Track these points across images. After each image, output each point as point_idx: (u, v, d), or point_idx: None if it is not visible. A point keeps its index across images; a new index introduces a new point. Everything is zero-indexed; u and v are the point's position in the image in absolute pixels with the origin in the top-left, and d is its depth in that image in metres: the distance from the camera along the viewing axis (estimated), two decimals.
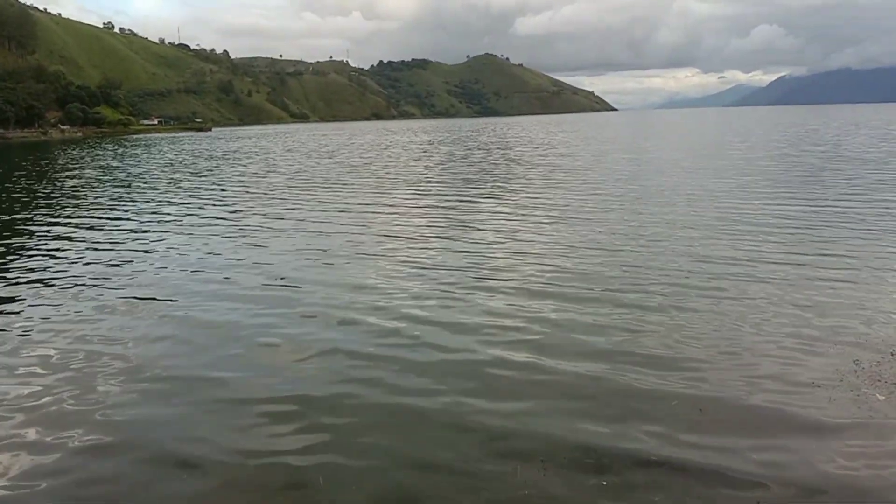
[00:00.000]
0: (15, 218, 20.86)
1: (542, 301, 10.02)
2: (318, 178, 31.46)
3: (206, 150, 68.76)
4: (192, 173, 37.30)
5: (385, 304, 10.05)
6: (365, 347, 8.29)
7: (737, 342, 8.15)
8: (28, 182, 33.81)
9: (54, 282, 12.04)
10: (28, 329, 9.30)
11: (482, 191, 24.50)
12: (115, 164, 48.17)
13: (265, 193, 25.75)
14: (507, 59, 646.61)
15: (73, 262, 13.66)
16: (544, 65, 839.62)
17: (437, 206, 20.74)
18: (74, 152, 68.70)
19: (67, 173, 39.71)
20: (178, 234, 17.01)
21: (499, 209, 19.67)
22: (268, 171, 36.88)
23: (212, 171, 39.20)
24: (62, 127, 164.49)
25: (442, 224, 17.35)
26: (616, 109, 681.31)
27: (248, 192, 26.74)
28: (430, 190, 25.44)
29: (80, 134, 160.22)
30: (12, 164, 50.54)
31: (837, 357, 7.63)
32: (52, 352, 8.37)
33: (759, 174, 27.59)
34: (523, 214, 18.47)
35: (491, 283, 11.14)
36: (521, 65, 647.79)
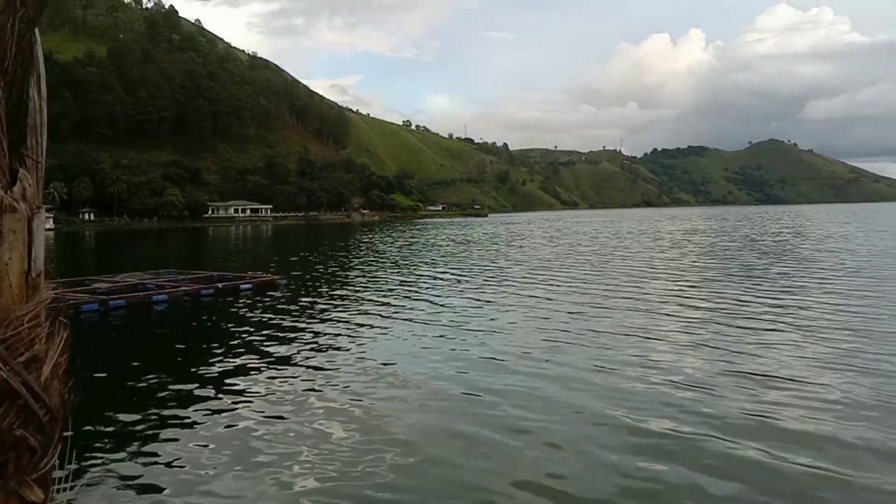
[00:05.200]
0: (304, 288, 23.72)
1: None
2: (554, 268, 31.06)
3: (475, 232, 72.81)
4: (454, 255, 39.52)
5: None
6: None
7: None
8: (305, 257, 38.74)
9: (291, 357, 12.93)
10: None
11: (727, 287, 21.35)
12: (386, 247, 53.20)
13: (499, 281, 25.85)
14: (795, 144, 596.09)
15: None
16: (839, 150, 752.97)
17: (671, 305, 18.58)
18: (366, 235, 77.74)
19: (341, 254, 44.84)
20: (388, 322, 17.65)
21: (738, 314, 16.69)
22: (508, 259, 37.58)
23: (464, 254, 41.13)
24: (363, 211, 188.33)
25: (673, 328, 15.32)
26: None
27: (488, 278, 27.04)
28: (667, 287, 23.25)
29: (376, 217, 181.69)
30: (317, 241, 58.80)
31: None
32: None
33: None
34: (770, 327, 15.40)
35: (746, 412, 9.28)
36: (810, 150, 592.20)
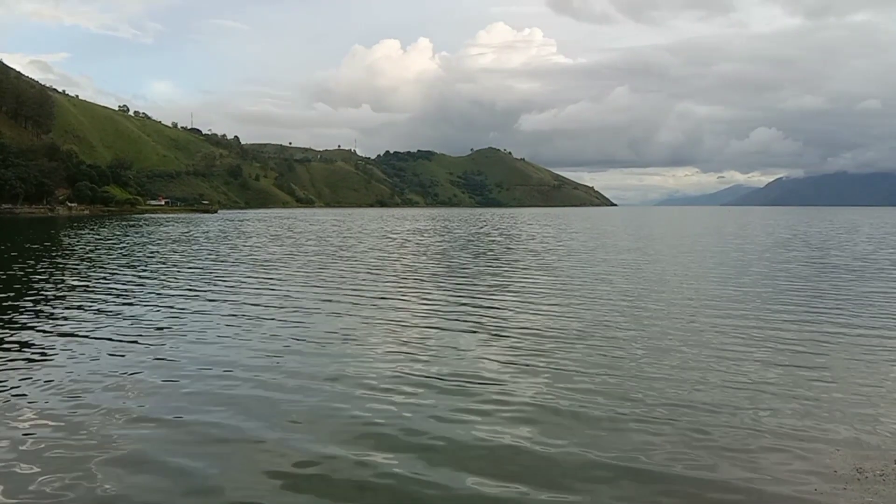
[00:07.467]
0: None
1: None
2: (282, 266, 30.90)
3: (199, 230, 68.94)
4: (151, 259, 36.98)
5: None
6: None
7: (738, 452, 8.30)
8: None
9: None
10: None
11: (440, 287, 23.68)
12: (92, 246, 48.10)
13: (217, 285, 25.12)
14: (510, 153, 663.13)
15: None
16: (547, 160, 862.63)
17: (379, 301, 19.93)
18: (72, 232, 69.11)
19: (37, 254, 39.56)
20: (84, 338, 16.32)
21: (445, 308, 18.62)
22: (233, 256, 36.52)
23: (173, 255, 38.91)
24: (70, 204, 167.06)
25: (380, 323, 16.42)
26: (616, 205, 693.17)
27: (206, 281, 26.06)
28: (385, 288, 24.64)
29: (87, 212, 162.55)
30: (9, 238, 50.70)
31: (840, 464, 7.89)
32: None
33: (753, 277, 26.99)
34: (461, 320, 17.35)
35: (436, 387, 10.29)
36: (523, 159, 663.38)
